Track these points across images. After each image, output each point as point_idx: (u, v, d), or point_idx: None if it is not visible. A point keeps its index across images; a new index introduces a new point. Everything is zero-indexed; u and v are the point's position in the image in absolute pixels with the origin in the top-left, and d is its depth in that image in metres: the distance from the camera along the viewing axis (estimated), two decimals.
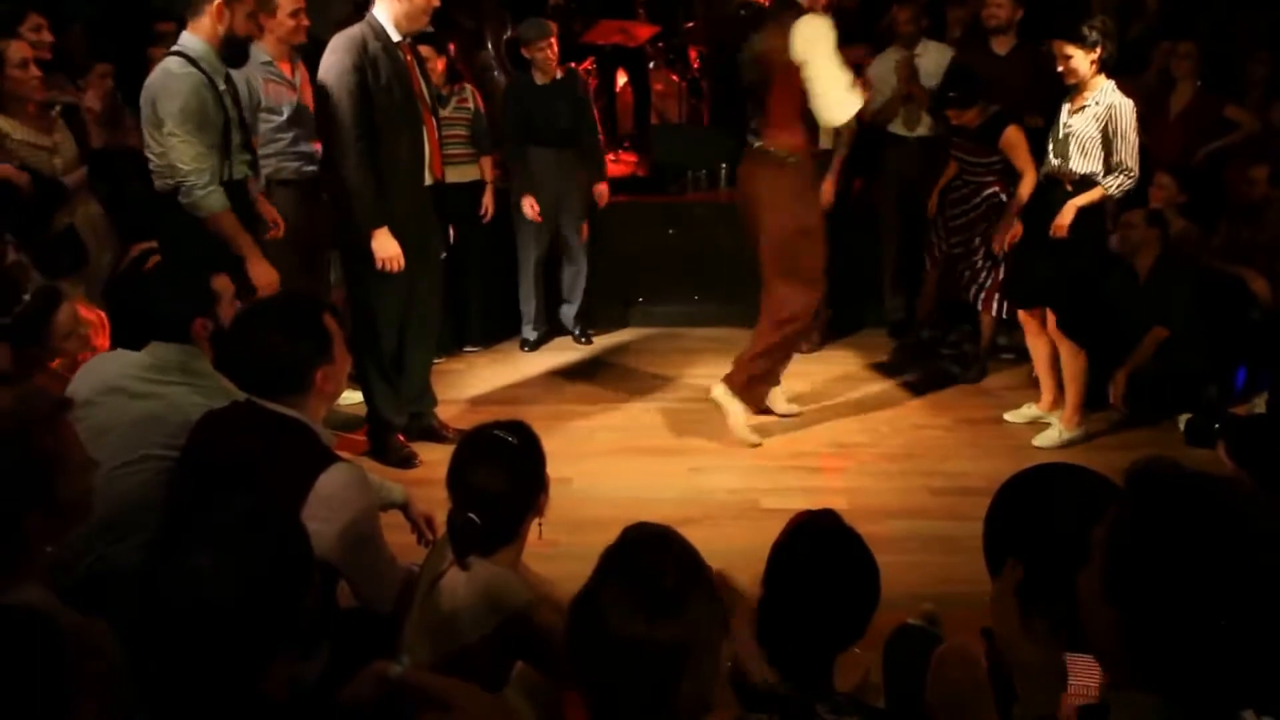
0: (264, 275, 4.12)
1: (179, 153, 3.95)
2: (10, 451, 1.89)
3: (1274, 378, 4.85)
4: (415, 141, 4.49)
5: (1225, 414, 4.66)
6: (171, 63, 4.01)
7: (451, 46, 5.95)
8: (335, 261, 5.38)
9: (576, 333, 6.52)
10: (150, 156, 4.07)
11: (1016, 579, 1.73)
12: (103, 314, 3.56)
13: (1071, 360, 5.04)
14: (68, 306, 3.46)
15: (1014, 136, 5.40)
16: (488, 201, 6.07)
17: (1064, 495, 1.83)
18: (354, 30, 4.37)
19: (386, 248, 4.39)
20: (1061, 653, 1.70)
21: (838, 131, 6.09)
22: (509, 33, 7.74)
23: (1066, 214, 4.92)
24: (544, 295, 6.41)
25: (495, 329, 6.52)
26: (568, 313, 6.53)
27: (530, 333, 6.41)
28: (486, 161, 6.07)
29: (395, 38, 4.39)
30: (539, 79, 6.04)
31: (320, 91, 4.38)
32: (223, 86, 4.08)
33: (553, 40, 6.01)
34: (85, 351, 3.36)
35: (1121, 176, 4.84)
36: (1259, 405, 4.79)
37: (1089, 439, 5.04)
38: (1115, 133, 4.79)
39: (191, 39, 4.04)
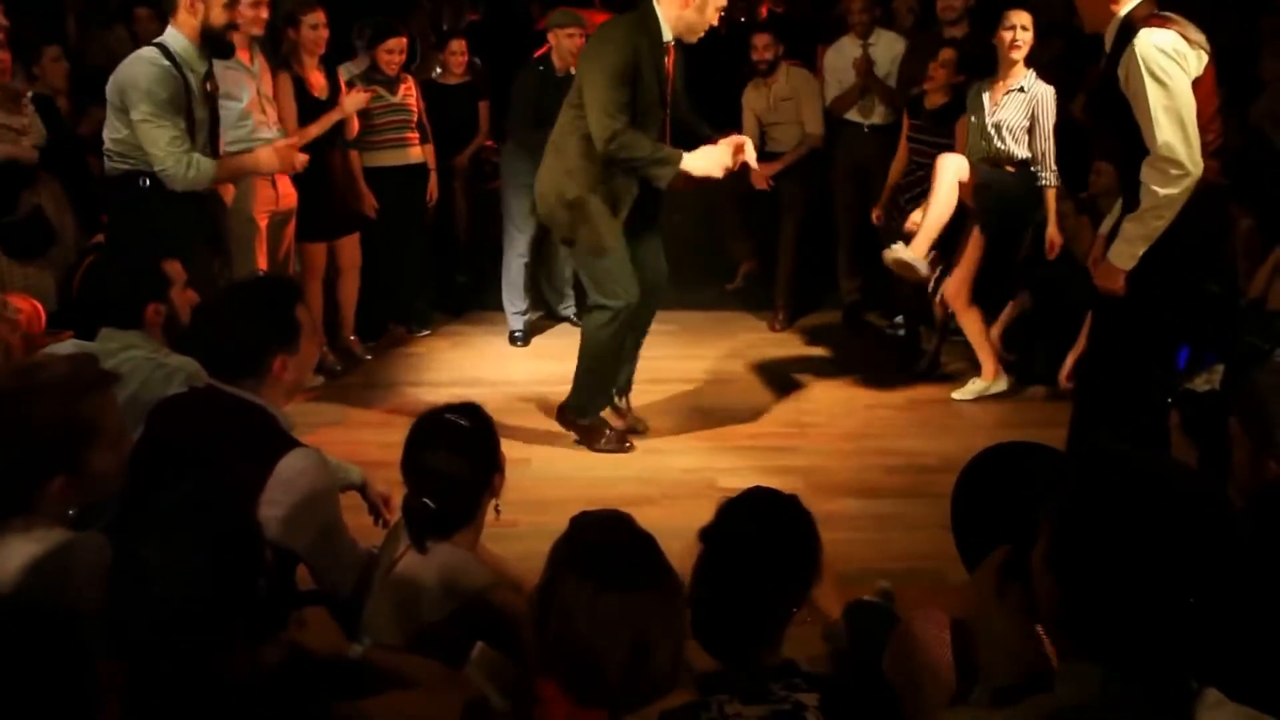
0: (283, 159, 4.32)
1: (152, 138, 3.88)
2: (48, 415, 1.94)
3: (1228, 357, 4.93)
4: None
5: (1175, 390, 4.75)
6: (146, 52, 3.98)
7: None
8: (299, 250, 5.40)
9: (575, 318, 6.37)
10: (107, 140, 4.03)
11: (1002, 560, 1.70)
12: (37, 304, 3.51)
13: (967, 320, 5.36)
14: None
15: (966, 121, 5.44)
16: (432, 187, 6.14)
17: (1029, 472, 1.83)
18: (632, 18, 4.40)
19: (697, 164, 4.34)
20: (1034, 625, 1.71)
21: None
22: (469, 16, 7.68)
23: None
24: (533, 289, 6.37)
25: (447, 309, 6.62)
26: (562, 301, 6.52)
27: (519, 325, 6.30)
28: (429, 148, 6.10)
29: (666, 38, 4.42)
30: (558, 66, 5.85)
31: (585, 73, 4.38)
32: (196, 88, 4.04)
33: (583, 30, 5.84)
34: (15, 336, 3.32)
35: (1052, 166, 5.12)
36: (1201, 384, 4.87)
37: (1040, 423, 5.06)
38: (1040, 120, 5.04)
39: (173, 34, 4.01)
